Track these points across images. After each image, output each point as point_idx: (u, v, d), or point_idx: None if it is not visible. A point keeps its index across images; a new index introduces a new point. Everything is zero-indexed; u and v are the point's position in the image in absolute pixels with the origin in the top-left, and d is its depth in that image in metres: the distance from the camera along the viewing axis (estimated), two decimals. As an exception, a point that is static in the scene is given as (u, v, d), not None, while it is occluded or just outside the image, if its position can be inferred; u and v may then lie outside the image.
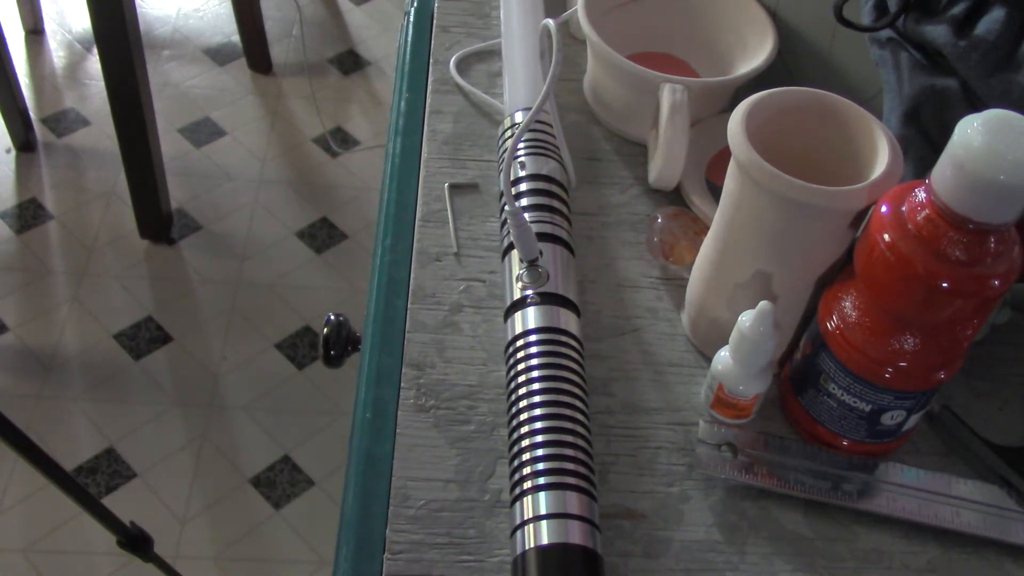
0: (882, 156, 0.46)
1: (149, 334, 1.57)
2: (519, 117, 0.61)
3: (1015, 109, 0.40)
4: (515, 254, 0.53)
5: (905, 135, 0.52)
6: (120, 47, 1.45)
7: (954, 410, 0.52)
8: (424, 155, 0.64)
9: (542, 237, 0.54)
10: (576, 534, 0.42)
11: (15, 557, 1.30)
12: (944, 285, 0.41)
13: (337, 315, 0.67)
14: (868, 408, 0.48)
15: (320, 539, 1.35)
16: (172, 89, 1.96)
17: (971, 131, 0.39)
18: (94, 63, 1.98)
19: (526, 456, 0.45)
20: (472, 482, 0.48)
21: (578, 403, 0.47)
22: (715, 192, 0.61)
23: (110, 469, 1.40)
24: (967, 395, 0.55)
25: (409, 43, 0.73)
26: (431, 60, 0.71)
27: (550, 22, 0.54)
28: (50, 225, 1.71)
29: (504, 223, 0.56)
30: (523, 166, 0.58)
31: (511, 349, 0.50)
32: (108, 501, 1.36)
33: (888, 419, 0.48)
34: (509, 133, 0.61)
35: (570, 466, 0.45)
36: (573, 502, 0.43)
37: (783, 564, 0.47)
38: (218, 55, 2.05)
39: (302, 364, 1.55)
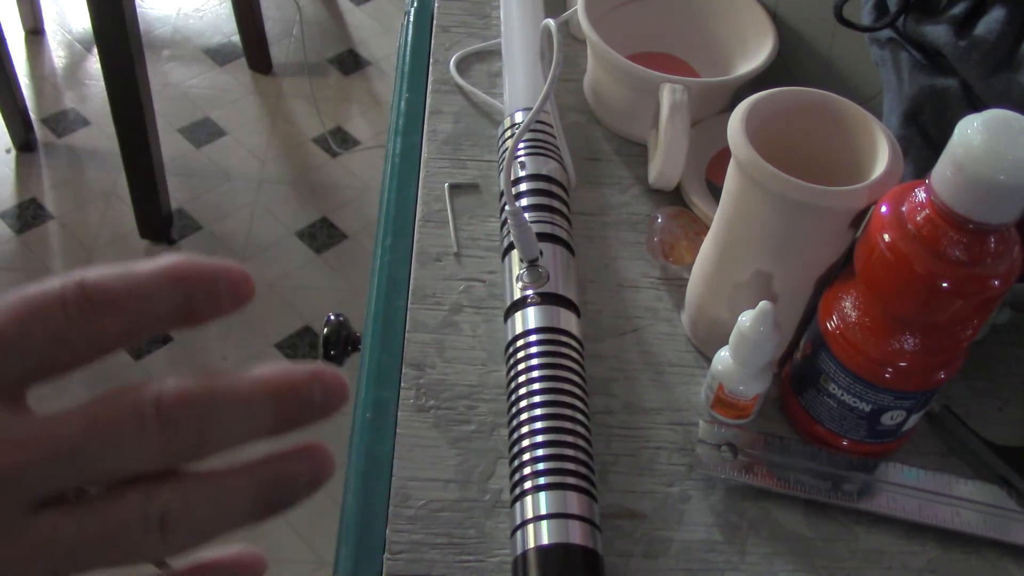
0: (882, 156, 0.46)
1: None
2: (519, 117, 0.61)
3: (1015, 109, 0.40)
4: (515, 254, 0.53)
5: (905, 135, 0.52)
6: (120, 47, 1.45)
7: (954, 410, 0.52)
8: (424, 155, 0.64)
9: (542, 237, 0.54)
10: (577, 534, 0.42)
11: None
12: (944, 285, 0.41)
13: (337, 315, 0.67)
14: (868, 408, 0.48)
15: (320, 539, 1.35)
16: (172, 89, 1.96)
17: (971, 131, 0.39)
18: (94, 63, 1.98)
19: (526, 456, 0.45)
20: (472, 482, 0.48)
21: (578, 403, 0.47)
22: (715, 192, 0.61)
23: (110, 469, 1.40)
24: (967, 395, 0.55)
25: (409, 43, 0.73)
26: (431, 60, 0.71)
27: (550, 22, 0.54)
28: (50, 225, 1.71)
29: (504, 223, 0.56)
30: (523, 166, 0.58)
31: (511, 349, 0.50)
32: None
33: (888, 419, 0.48)
34: (509, 133, 0.61)
35: (570, 466, 0.44)
36: (573, 502, 0.43)
37: (783, 564, 0.47)
38: (218, 55, 2.05)
39: (302, 364, 1.55)
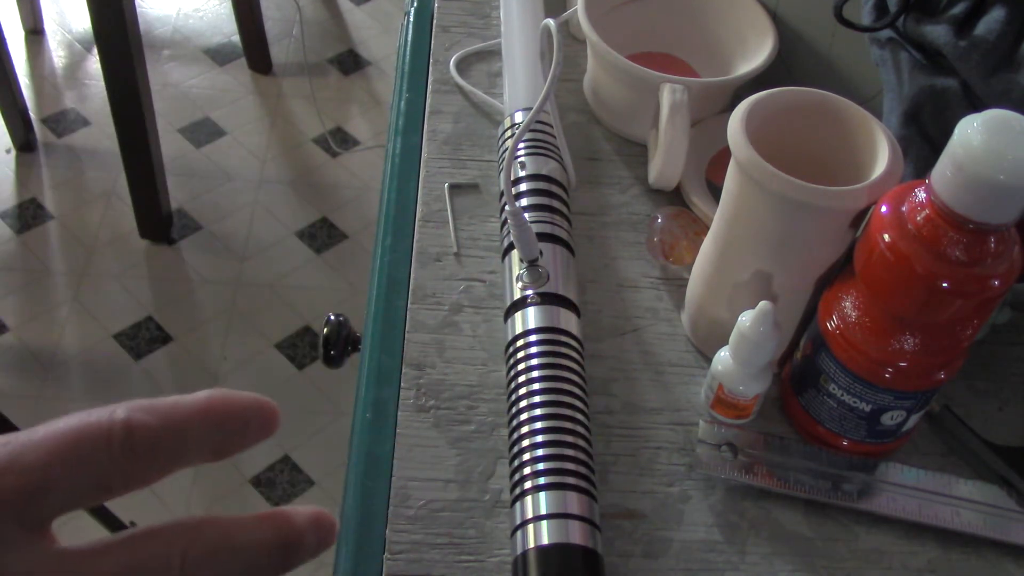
0: (882, 156, 0.46)
1: (149, 334, 1.57)
2: (519, 117, 0.61)
3: (1015, 109, 0.40)
4: (515, 254, 0.53)
5: (905, 135, 0.52)
6: (120, 47, 1.45)
7: (954, 410, 0.52)
8: (424, 155, 0.64)
9: (542, 237, 0.54)
10: (576, 534, 0.42)
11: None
12: (944, 285, 0.41)
13: (337, 315, 0.67)
14: (868, 408, 0.48)
15: (320, 539, 1.35)
16: (172, 89, 1.96)
17: (971, 131, 0.39)
18: (94, 63, 1.98)
19: (526, 456, 0.45)
20: (472, 482, 0.48)
21: (578, 403, 0.47)
22: (715, 192, 0.61)
23: (110, 469, 1.40)
24: (967, 395, 0.55)
25: (409, 43, 0.73)
26: (431, 60, 0.71)
27: (550, 22, 0.54)
28: (50, 225, 1.71)
29: (504, 223, 0.56)
30: (523, 166, 0.58)
31: (511, 349, 0.50)
32: (108, 501, 1.35)
33: (888, 419, 0.48)
34: (509, 133, 0.61)
35: (570, 466, 0.44)
36: (573, 502, 0.43)
37: (783, 564, 0.47)
38: (218, 55, 2.05)
39: (302, 364, 1.55)
